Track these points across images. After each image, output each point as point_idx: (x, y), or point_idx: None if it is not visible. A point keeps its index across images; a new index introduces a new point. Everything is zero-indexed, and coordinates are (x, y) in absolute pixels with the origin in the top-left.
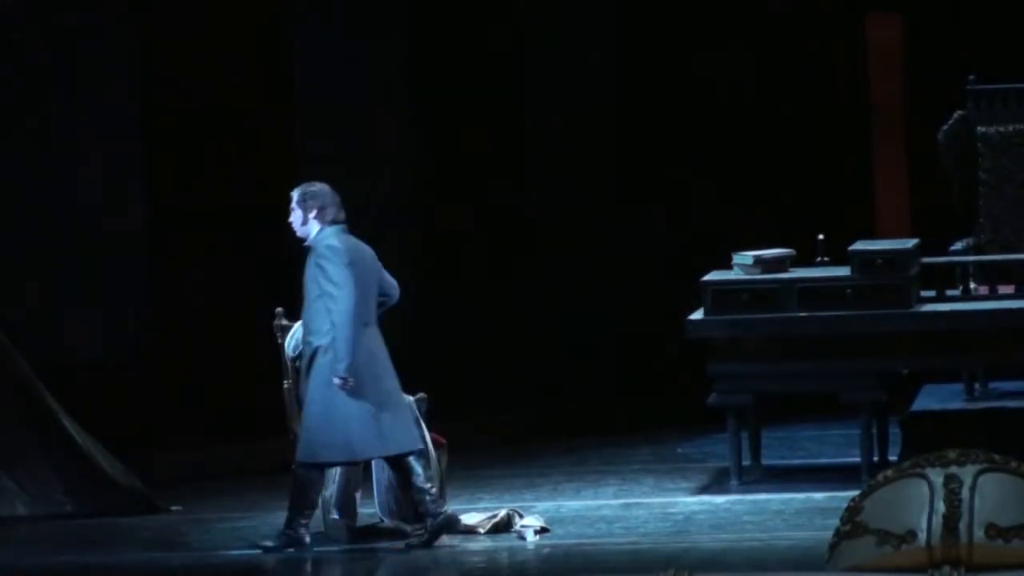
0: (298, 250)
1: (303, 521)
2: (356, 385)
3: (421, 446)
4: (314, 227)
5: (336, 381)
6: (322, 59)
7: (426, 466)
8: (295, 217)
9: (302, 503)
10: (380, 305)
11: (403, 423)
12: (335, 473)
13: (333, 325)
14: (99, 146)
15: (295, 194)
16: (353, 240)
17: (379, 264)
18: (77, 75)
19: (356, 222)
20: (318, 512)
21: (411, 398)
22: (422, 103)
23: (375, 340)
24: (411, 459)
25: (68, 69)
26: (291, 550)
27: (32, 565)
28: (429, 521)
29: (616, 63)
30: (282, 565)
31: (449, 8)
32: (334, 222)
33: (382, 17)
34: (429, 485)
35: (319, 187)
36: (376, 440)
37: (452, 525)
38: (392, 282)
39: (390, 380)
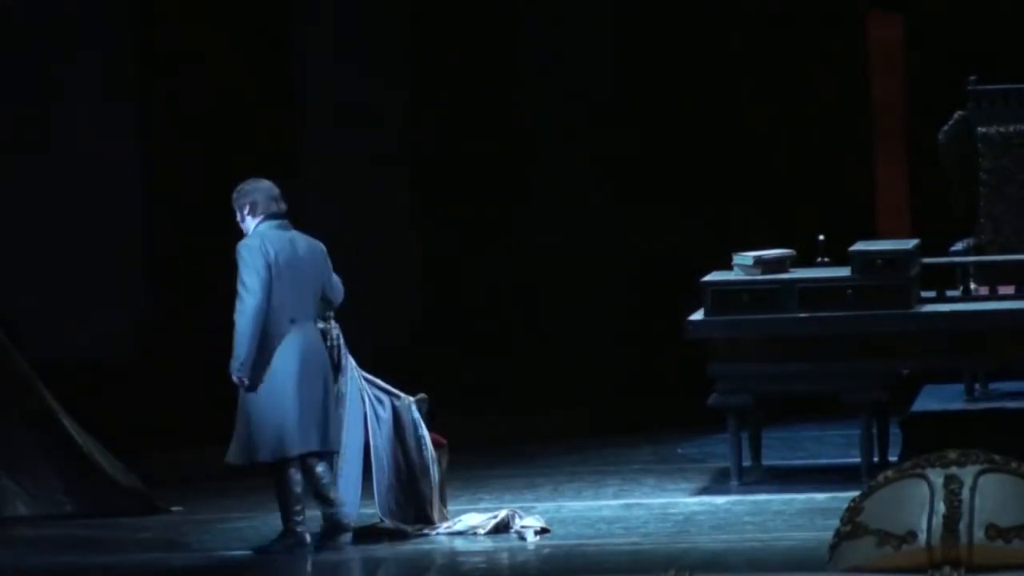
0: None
1: (297, 519)
2: (281, 382)
3: (337, 449)
4: (250, 223)
5: (234, 379)
6: (322, 57)
7: (330, 471)
8: (237, 216)
9: (286, 502)
10: (328, 305)
11: (321, 423)
12: (337, 473)
13: (235, 323)
14: (98, 144)
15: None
16: (288, 235)
17: (325, 262)
18: (75, 68)
19: (357, 221)
20: (318, 512)
21: (411, 398)
22: (424, 102)
23: (304, 337)
24: (318, 461)
25: (66, 66)
26: (293, 551)
27: (32, 565)
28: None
29: (616, 61)
30: (282, 567)
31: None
32: (268, 216)
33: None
34: (299, 506)
35: (250, 184)
36: (299, 438)
37: (339, 534)
38: (336, 285)
39: (317, 379)
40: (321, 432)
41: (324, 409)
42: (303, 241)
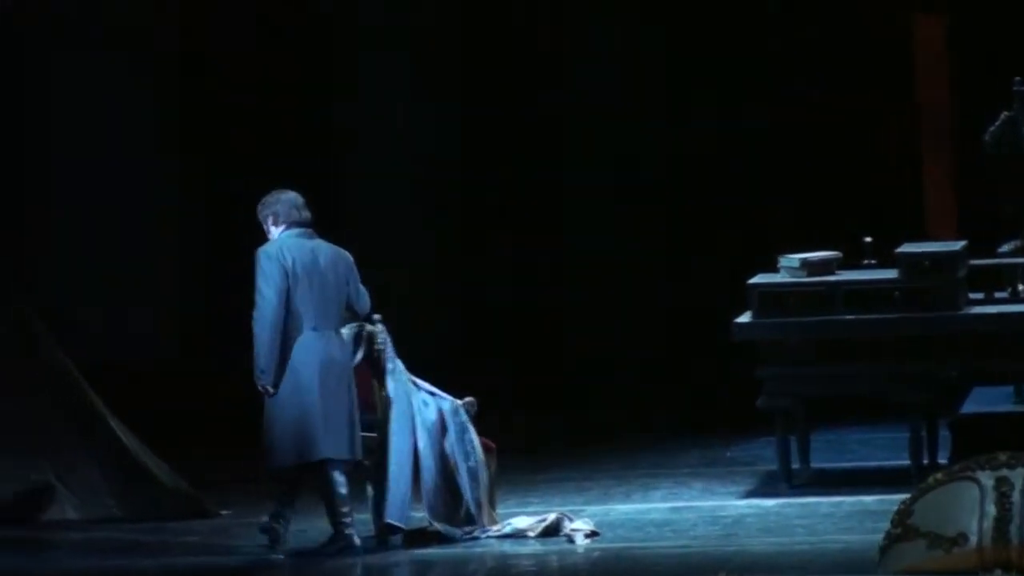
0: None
1: (345, 521)
2: (304, 389)
3: (348, 456)
4: (274, 233)
5: (259, 388)
6: (364, 55)
7: (346, 484)
8: (264, 228)
9: (332, 505)
10: (353, 315)
11: (345, 431)
12: (386, 476)
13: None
14: (139, 148)
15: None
16: (311, 243)
17: (350, 271)
18: (117, 72)
19: (395, 227)
20: (368, 516)
21: (459, 402)
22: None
23: (325, 345)
24: (334, 469)
25: (109, 69)
26: (342, 554)
27: (80, 569)
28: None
29: (661, 61)
30: (330, 570)
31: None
32: (291, 225)
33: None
34: (345, 508)
35: (272, 195)
36: (321, 444)
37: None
38: (361, 294)
39: (340, 387)
40: (346, 440)
41: (348, 417)
42: (327, 250)
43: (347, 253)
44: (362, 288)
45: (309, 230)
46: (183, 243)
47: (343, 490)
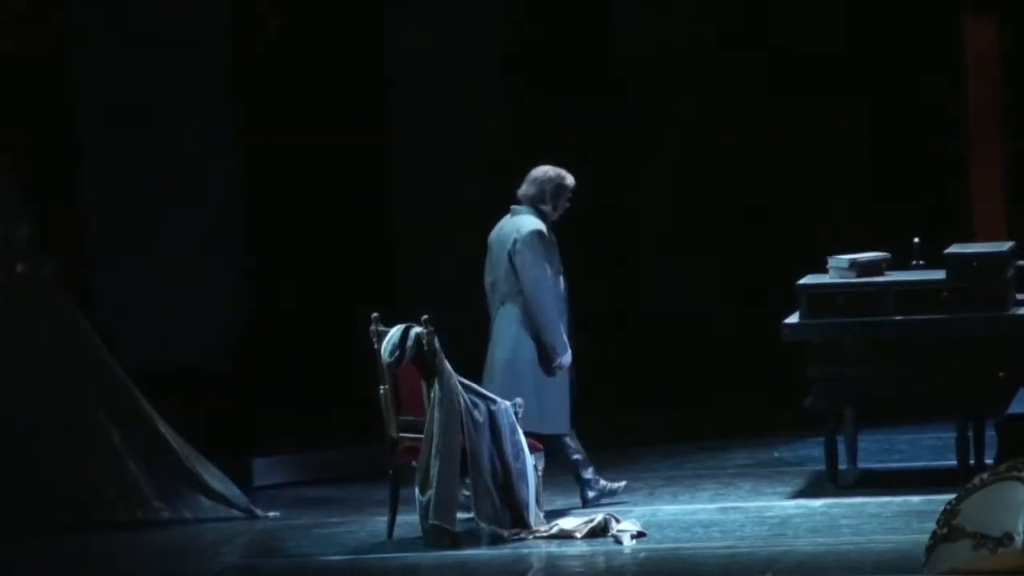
0: (388, 255)
1: (590, 476)
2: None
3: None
4: (548, 212)
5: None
6: (417, 52)
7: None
8: None
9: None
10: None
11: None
12: (433, 478)
13: None
14: (197, 148)
15: None
16: (504, 219)
17: (508, 248)
18: (173, 72)
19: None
20: (416, 517)
21: (507, 403)
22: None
23: (499, 318)
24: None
25: (164, 69)
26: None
27: (128, 571)
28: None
29: (712, 59)
30: (379, 571)
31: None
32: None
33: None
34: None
35: (558, 173)
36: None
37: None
38: (520, 270)
39: (506, 363)
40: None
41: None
42: (509, 226)
43: (517, 229)
44: (521, 263)
45: (514, 206)
46: (237, 248)
47: (580, 455)
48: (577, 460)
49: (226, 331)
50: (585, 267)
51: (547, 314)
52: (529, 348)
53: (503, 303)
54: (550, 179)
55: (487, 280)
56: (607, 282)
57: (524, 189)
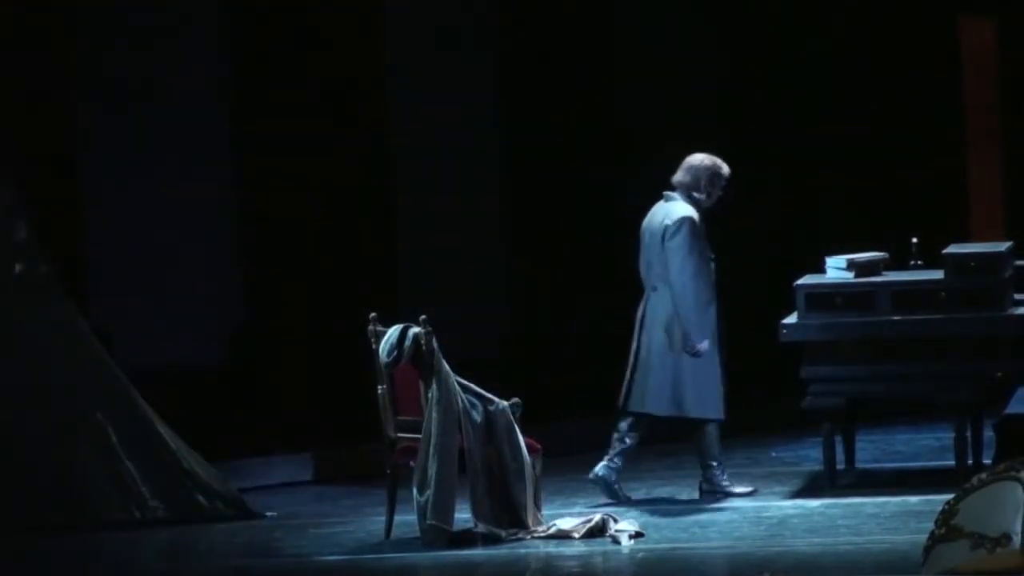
0: (388, 254)
1: (715, 472)
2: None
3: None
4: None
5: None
6: (417, 52)
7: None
8: None
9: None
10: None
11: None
12: (431, 478)
13: None
14: (192, 150)
15: None
16: (656, 206)
17: (657, 236)
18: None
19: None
20: (414, 517)
21: (505, 403)
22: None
23: (650, 309)
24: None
25: (162, 71)
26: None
27: (126, 572)
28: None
29: (713, 63)
30: (377, 571)
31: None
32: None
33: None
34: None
35: (714, 162)
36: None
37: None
38: (668, 260)
39: (660, 348)
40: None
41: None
42: (660, 213)
43: (668, 217)
44: (670, 252)
45: (667, 192)
46: (232, 245)
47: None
48: (625, 448)
49: (224, 331)
50: (585, 265)
51: (687, 300)
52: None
53: (655, 288)
54: (706, 168)
55: (641, 266)
56: (601, 280)
57: (679, 176)
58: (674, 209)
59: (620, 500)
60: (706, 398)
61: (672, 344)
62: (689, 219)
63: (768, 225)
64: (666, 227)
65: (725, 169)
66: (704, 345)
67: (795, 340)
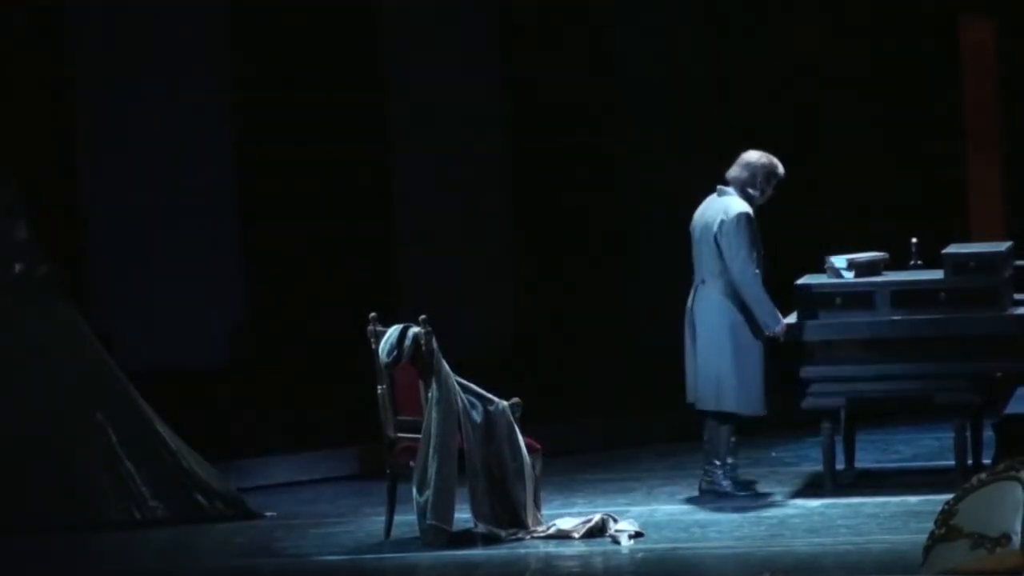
0: (388, 255)
1: (717, 472)
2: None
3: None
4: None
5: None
6: (412, 54)
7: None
8: None
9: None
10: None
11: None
12: (431, 478)
13: None
14: (193, 153)
15: None
16: (708, 200)
17: (712, 230)
18: (172, 84)
19: (455, 223)
20: (414, 517)
21: (505, 403)
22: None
23: (698, 302)
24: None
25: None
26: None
27: (126, 572)
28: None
29: (707, 64)
30: (376, 571)
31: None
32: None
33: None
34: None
35: (769, 159)
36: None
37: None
38: (727, 255)
39: (704, 342)
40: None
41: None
42: (714, 206)
43: (723, 212)
44: (730, 250)
45: (721, 187)
46: (233, 245)
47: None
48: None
49: (224, 331)
50: (585, 267)
51: (755, 291)
52: (727, 329)
53: (703, 282)
54: (763, 165)
55: (694, 258)
56: (606, 279)
57: (735, 172)
58: (730, 204)
59: (743, 491)
60: (747, 394)
61: (722, 341)
62: (746, 214)
63: (768, 225)
64: (722, 221)
65: (780, 168)
66: (782, 326)
67: (794, 340)
